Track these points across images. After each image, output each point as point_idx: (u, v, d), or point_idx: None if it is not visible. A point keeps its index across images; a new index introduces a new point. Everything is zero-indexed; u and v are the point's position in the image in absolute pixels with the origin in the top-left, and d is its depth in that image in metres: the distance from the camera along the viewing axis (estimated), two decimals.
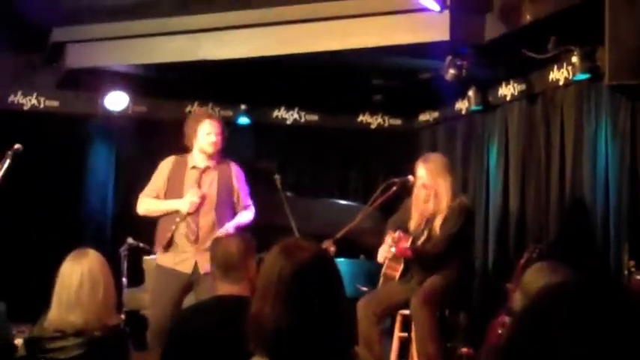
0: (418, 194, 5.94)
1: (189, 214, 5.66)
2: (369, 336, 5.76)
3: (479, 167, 7.94)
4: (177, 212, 5.69)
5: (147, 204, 5.86)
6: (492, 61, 7.00)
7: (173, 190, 5.80)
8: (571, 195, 6.47)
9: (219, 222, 5.69)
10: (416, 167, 6.00)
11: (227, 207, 5.79)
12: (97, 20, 7.36)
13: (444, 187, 5.83)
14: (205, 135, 5.78)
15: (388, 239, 5.93)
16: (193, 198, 5.66)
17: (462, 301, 6.06)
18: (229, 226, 5.67)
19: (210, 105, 8.79)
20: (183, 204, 5.67)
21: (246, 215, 5.84)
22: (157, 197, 5.85)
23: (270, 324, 2.37)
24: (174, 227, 5.67)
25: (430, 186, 5.84)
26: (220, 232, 5.55)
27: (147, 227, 7.64)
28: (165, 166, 5.91)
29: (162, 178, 5.86)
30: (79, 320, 3.78)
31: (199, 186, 5.73)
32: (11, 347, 4.35)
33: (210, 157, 5.81)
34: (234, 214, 5.81)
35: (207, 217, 5.69)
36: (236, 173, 5.88)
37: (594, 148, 6.21)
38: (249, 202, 5.91)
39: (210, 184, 5.77)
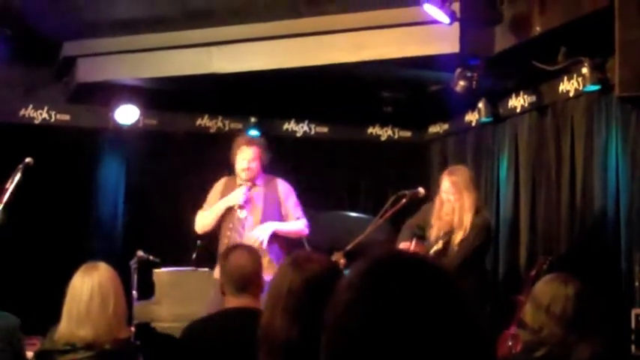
0: (440, 208, 5.88)
1: (240, 207, 5.96)
2: None
3: (489, 179, 7.93)
4: (228, 228, 5.99)
5: (202, 217, 6.16)
6: (502, 72, 6.99)
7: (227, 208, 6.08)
8: (582, 206, 6.45)
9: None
10: (440, 179, 5.95)
11: (273, 219, 6.02)
12: (108, 34, 7.39)
13: (468, 202, 5.76)
14: (241, 161, 6.07)
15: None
16: (242, 189, 5.97)
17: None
18: (269, 227, 5.90)
19: (220, 118, 8.82)
20: (235, 196, 5.98)
21: (294, 223, 6.08)
22: None
23: (281, 336, 2.37)
24: (226, 241, 5.91)
25: (454, 200, 5.79)
26: (257, 231, 5.86)
27: (157, 240, 7.67)
28: (219, 185, 6.23)
29: (216, 195, 6.16)
30: (89, 334, 3.77)
31: (245, 202, 6.02)
32: None
33: (250, 179, 6.04)
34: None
35: (252, 230, 5.97)
36: (283, 189, 6.12)
37: (605, 160, 6.19)
38: (300, 214, 6.17)
39: (257, 199, 6.02)
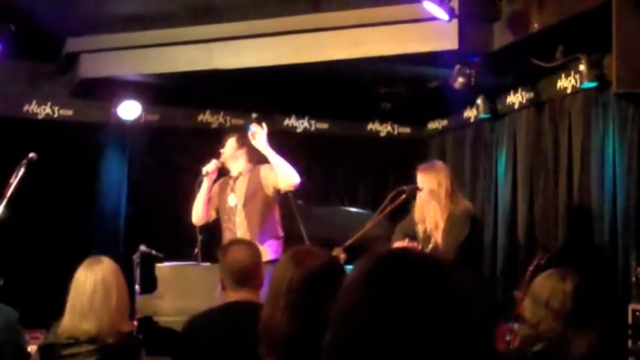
0: (419, 202, 5.91)
1: (207, 174, 6.14)
2: None
3: (487, 175, 7.96)
4: (225, 220, 6.21)
5: (194, 207, 6.31)
6: (500, 69, 7.03)
7: (221, 201, 6.29)
8: (579, 202, 6.49)
9: (249, 218, 6.11)
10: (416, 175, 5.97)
11: (257, 203, 6.13)
12: (111, 30, 7.42)
13: (442, 193, 5.72)
14: None
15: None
16: (214, 161, 6.20)
17: None
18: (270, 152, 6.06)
19: (222, 113, 8.85)
20: (205, 167, 6.19)
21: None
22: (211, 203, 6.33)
23: (281, 330, 2.40)
24: (227, 234, 6.17)
25: (425, 192, 5.79)
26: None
27: (160, 235, 7.70)
28: (217, 185, 6.38)
29: (214, 191, 6.34)
30: (92, 327, 3.81)
31: (233, 191, 6.21)
32: (25, 354, 4.39)
33: (239, 166, 6.24)
34: (268, 208, 6.16)
35: (240, 216, 6.15)
36: (262, 169, 6.19)
37: (602, 156, 6.22)
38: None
39: (242, 187, 6.20)
